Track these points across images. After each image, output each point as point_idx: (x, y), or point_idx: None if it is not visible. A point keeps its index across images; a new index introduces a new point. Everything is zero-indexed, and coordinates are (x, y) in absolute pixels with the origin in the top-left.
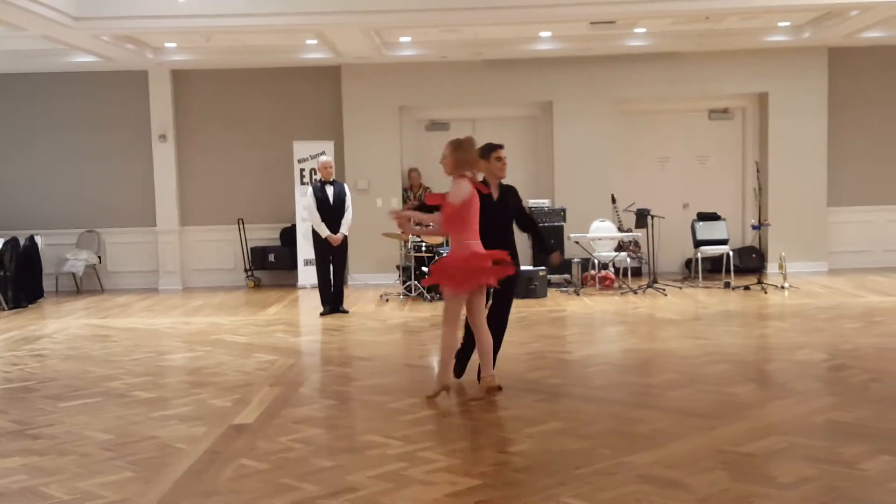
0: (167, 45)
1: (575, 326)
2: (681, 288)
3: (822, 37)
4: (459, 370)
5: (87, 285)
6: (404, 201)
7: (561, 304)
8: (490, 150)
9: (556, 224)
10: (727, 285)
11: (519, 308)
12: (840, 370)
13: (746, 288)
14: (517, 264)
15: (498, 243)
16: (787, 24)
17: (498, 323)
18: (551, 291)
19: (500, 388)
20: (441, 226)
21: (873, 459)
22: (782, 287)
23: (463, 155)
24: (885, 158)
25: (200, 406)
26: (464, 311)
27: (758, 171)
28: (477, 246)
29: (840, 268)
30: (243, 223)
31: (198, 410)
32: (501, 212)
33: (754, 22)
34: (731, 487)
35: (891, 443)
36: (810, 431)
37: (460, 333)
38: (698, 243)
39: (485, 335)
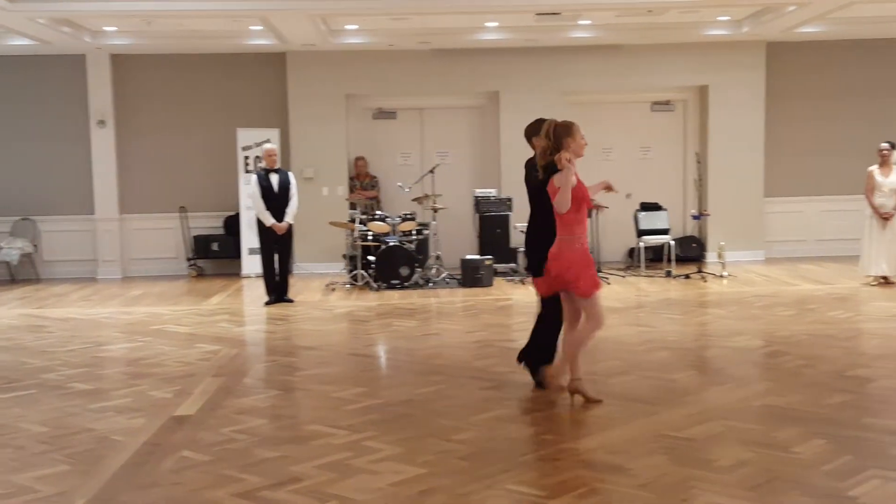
0: (106, 28)
1: (520, 315)
2: (624, 276)
3: (760, 31)
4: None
5: (21, 274)
6: (351, 190)
7: (507, 292)
8: (542, 125)
9: (502, 213)
10: (668, 274)
11: (465, 296)
12: (775, 356)
13: (687, 277)
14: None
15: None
16: (727, 18)
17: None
18: (497, 280)
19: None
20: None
21: (806, 443)
22: (721, 276)
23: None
24: (819, 151)
25: (140, 397)
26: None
27: (698, 162)
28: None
29: (776, 257)
30: (185, 211)
31: (137, 402)
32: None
33: (695, 16)
34: (672, 471)
35: (823, 426)
36: (747, 416)
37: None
38: (641, 233)
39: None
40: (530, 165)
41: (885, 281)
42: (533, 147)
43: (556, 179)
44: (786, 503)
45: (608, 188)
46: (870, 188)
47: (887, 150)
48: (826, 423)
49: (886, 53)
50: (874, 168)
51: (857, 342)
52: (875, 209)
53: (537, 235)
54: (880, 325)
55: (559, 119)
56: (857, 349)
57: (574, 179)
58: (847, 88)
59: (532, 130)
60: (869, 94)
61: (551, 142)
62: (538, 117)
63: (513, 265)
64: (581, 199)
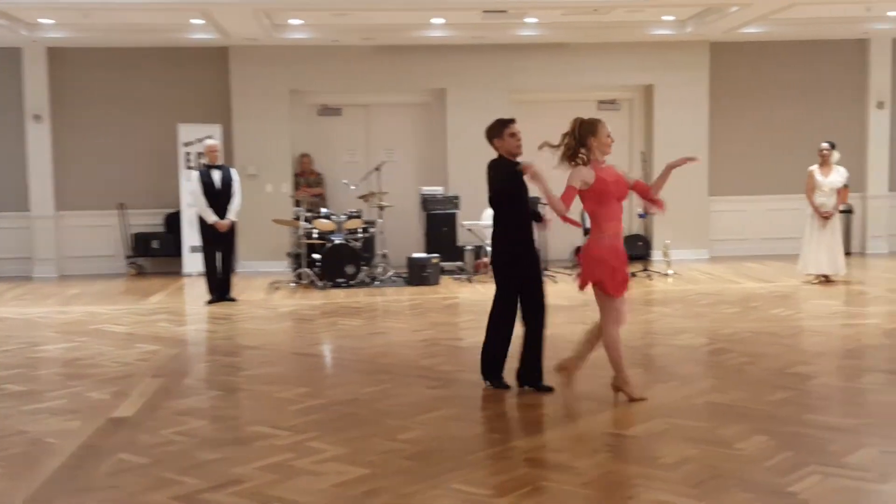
0: (42, 21)
1: (467, 313)
2: (570, 275)
3: (704, 31)
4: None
5: None
6: (296, 187)
7: (454, 291)
8: (503, 125)
9: (449, 211)
10: None
11: (411, 295)
12: (719, 354)
13: (633, 275)
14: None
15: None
16: (671, 18)
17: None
18: (444, 279)
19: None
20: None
21: (748, 439)
22: (666, 274)
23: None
24: (762, 150)
25: (76, 399)
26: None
27: (643, 161)
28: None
29: (720, 255)
30: (125, 208)
31: (73, 403)
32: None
33: (640, 15)
34: (616, 469)
35: (764, 423)
36: (691, 413)
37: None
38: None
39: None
40: (494, 167)
41: (825, 279)
42: (495, 148)
43: (569, 178)
44: (728, 499)
45: (687, 161)
46: (810, 188)
47: (827, 150)
48: (768, 419)
49: (826, 54)
50: (814, 168)
51: (798, 340)
52: (815, 208)
53: (506, 236)
54: (820, 323)
55: (577, 119)
56: (798, 346)
57: (593, 177)
58: (788, 88)
59: (492, 132)
60: (809, 94)
61: (576, 139)
62: (497, 118)
63: (459, 263)
64: (606, 194)
